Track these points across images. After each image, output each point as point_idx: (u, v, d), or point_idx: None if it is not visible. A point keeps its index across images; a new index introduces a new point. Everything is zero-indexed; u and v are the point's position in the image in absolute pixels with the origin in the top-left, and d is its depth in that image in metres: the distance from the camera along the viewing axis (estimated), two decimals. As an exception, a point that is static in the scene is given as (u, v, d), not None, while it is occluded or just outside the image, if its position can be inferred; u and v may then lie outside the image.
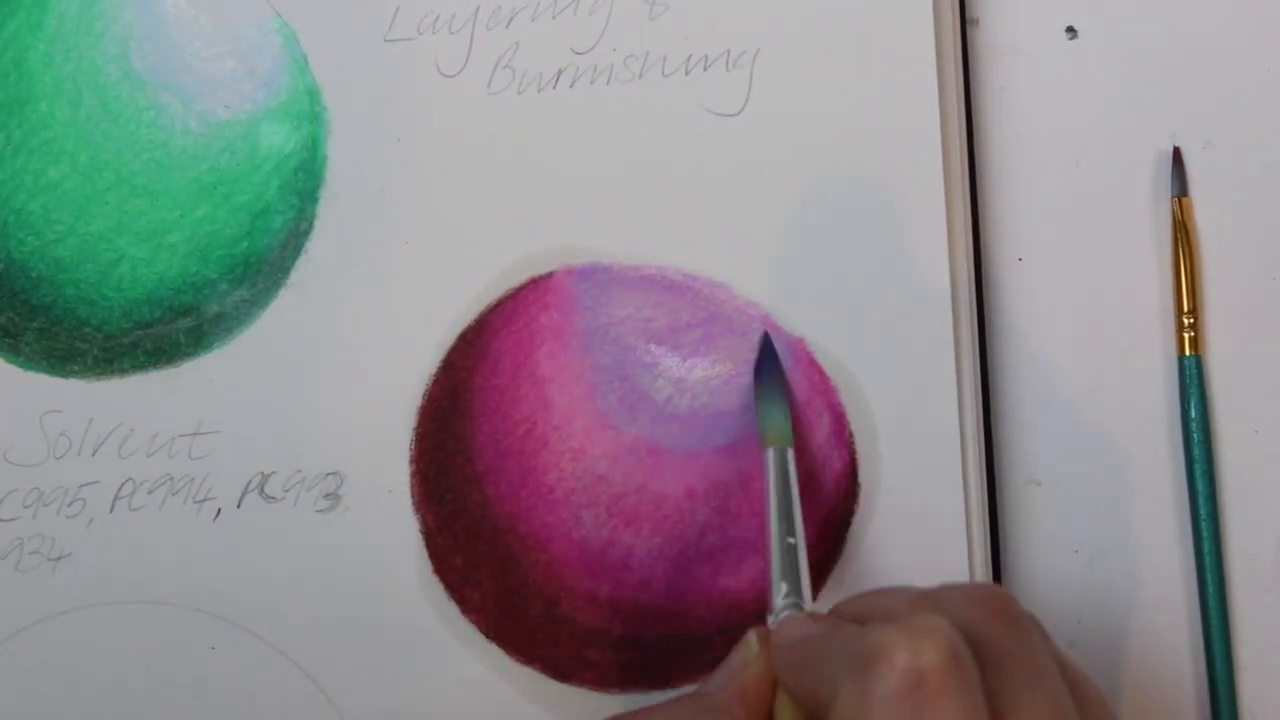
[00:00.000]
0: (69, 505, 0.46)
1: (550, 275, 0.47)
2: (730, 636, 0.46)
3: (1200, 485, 0.48)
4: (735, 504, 0.46)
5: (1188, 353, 0.48)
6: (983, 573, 0.47)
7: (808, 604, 0.41)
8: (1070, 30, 0.49)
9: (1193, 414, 0.48)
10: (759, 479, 0.46)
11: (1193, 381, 0.48)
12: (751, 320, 0.46)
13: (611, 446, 0.46)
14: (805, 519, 0.46)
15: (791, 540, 0.42)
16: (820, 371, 0.46)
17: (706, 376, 0.46)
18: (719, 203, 0.46)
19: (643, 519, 0.46)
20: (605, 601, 0.47)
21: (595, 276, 0.46)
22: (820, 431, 0.46)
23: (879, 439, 0.46)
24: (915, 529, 0.47)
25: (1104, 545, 0.49)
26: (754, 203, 0.46)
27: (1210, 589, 0.48)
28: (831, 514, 0.47)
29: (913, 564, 0.47)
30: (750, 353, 0.46)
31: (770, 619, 0.41)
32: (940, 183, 0.46)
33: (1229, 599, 0.48)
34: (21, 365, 0.46)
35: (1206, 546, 0.48)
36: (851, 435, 0.47)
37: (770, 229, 0.46)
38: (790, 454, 0.44)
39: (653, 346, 0.47)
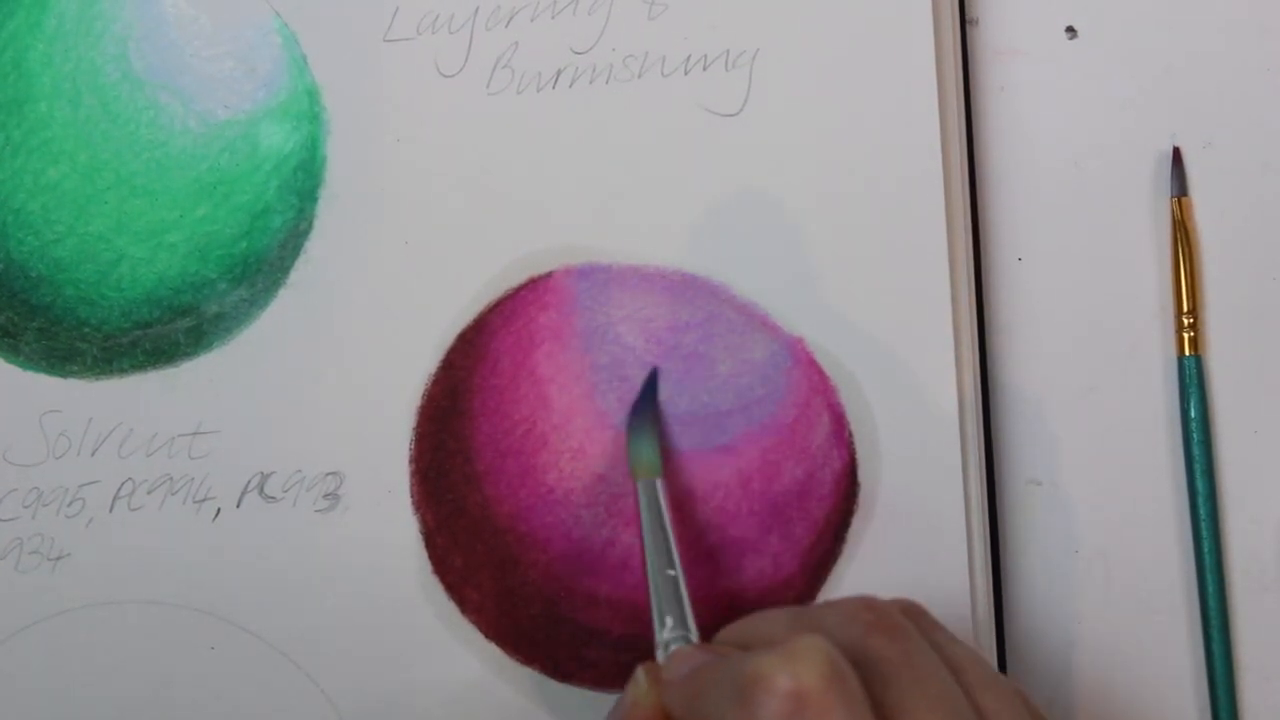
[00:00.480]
0: (68, 505, 0.46)
1: (549, 275, 0.47)
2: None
3: (1200, 485, 0.48)
4: (734, 504, 0.46)
5: (1187, 353, 0.48)
6: (983, 572, 0.47)
7: (693, 635, 0.41)
8: (1070, 30, 0.49)
9: (1192, 414, 0.48)
10: (757, 480, 0.46)
11: (1192, 381, 0.48)
12: (751, 320, 0.46)
13: (611, 446, 0.46)
14: (806, 518, 0.46)
15: (671, 572, 0.42)
16: (820, 371, 0.46)
17: (706, 376, 0.46)
18: (718, 203, 0.46)
19: (642, 519, 0.46)
20: (605, 601, 0.47)
21: (594, 276, 0.46)
22: (820, 432, 0.46)
23: (879, 439, 0.46)
24: (915, 529, 0.46)
25: (1104, 545, 0.49)
26: (753, 203, 0.46)
27: (1210, 589, 0.48)
28: (831, 514, 0.47)
29: (912, 564, 0.47)
30: (749, 353, 0.46)
31: (659, 654, 0.41)
32: (940, 182, 0.46)
33: (1229, 599, 0.49)
34: (21, 365, 0.46)
35: (1206, 546, 0.48)
36: (851, 435, 0.47)
37: (770, 229, 0.46)
38: (660, 485, 0.44)
39: (652, 346, 0.46)
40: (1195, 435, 0.48)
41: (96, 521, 0.46)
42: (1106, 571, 0.49)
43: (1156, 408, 0.49)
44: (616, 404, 0.46)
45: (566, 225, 0.46)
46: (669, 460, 0.46)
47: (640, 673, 0.40)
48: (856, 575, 0.47)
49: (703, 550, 0.47)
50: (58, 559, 0.46)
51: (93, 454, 0.46)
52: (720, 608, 0.47)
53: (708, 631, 0.41)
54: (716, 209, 0.46)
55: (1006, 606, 0.49)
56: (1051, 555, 0.49)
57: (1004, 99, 0.49)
